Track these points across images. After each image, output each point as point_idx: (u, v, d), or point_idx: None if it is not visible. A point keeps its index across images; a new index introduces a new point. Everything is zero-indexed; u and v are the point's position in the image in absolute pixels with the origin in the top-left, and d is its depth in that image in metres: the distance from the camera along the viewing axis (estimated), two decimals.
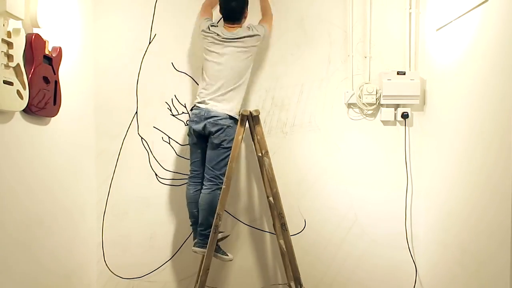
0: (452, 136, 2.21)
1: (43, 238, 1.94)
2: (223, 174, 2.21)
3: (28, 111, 1.76)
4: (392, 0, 2.53)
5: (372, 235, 2.56)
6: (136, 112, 2.56)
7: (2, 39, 1.55)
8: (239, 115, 2.28)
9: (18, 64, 1.64)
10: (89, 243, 2.47)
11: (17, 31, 1.64)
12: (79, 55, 2.33)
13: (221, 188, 2.20)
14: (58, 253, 2.08)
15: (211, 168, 2.24)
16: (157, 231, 2.58)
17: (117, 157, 2.55)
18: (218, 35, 2.27)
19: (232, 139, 2.21)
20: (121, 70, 2.54)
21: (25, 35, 1.70)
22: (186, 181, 2.52)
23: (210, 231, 2.16)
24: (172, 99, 2.56)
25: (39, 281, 1.91)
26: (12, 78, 1.61)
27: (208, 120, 2.19)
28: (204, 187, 2.27)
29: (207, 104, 2.23)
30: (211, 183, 2.23)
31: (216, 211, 2.18)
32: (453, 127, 2.20)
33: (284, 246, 2.28)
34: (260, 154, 2.30)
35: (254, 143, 2.41)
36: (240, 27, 2.34)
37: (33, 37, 1.75)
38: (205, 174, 2.27)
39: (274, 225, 2.44)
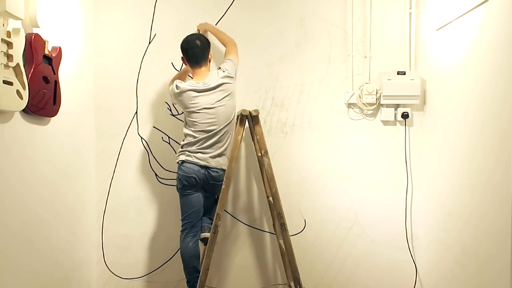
0: (453, 136, 2.20)
1: (43, 238, 1.93)
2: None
3: (27, 111, 1.76)
4: (392, 0, 2.53)
5: (372, 235, 2.56)
6: (136, 112, 2.56)
7: (2, 39, 1.55)
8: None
9: (17, 64, 1.64)
10: (89, 243, 2.47)
11: (16, 31, 1.63)
12: (79, 55, 2.33)
13: None
14: (58, 253, 2.08)
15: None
16: (157, 231, 2.58)
17: (117, 157, 2.55)
18: (193, 90, 2.19)
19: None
20: (121, 70, 2.54)
21: (24, 35, 1.70)
22: None
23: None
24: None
25: (39, 281, 1.91)
26: (12, 78, 1.61)
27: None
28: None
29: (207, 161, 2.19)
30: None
31: (216, 211, 2.17)
32: (454, 127, 2.19)
33: (283, 246, 2.28)
34: (259, 154, 2.30)
35: (254, 143, 2.41)
36: (208, 70, 2.27)
37: (33, 37, 1.75)
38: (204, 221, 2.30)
39: (274, 225, 2.43)
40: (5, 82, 1.56)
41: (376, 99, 2.51)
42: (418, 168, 2.56)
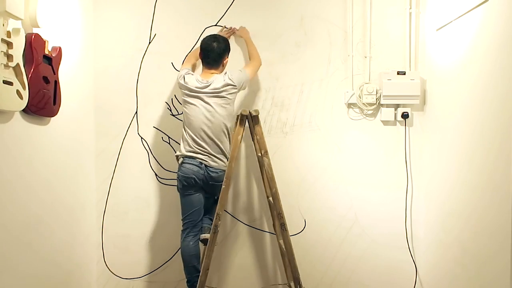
0: (453, 136, 2.20)
1: (43, 238, 1.93)
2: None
3: (27, 111, 1.76)
4: (392, 0, 2.53)
5: (372, 235, 2.56)
6: (136, 112, 2.56)
7: (2, 39, 1.54)
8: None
9: (17, 64, 1.64)
10: (89, 243, 2.46)
11: (16, 31, 1.63)
12: (79, 55, 2.33)
13: None
14: (58, 253, 2.08)
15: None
16: (157, 231, 2.58)
17: (117, 157, 2.55)
18: (191, 89, 2.21)
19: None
20: (121, 70, 2.53)
21: (24, 35, 1.70)
22: None
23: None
24: (172, 99, 2.56)
25: (39, 281, 1.91)
26: (12, 78, 1.61)
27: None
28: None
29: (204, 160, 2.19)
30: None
31: (216, 211, 2.17)
32: (454, 127, 2.19)
33: (283, 246, 2.28)
34: (259, 154, 2.30)
35: (253, 143, 2.41)
36: (218, 73, 2.28)
37: (33, 37, 1.75)
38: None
39: (274, 225, 2.43)
40: (5, 82, 1.56)
41: (376, 99, 2.51)
42: (418, 168, 2.56)
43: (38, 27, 1.81)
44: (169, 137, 2.57)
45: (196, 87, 2.20)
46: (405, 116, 2.51)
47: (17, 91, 1.64)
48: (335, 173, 2.57)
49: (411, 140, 2.56)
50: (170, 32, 2.54)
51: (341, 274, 2.59)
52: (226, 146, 2.24)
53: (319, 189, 2.59)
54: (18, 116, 1.74)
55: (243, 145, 2.57)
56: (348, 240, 2.54)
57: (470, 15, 2.03)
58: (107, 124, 2.54)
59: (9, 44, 1.58)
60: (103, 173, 2.55)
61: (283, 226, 2.22)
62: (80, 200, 2.34)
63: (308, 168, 2.58)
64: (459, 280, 2.11)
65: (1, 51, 1.54)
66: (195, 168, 2.17)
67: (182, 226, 2.26)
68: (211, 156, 2.19)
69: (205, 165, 2.18)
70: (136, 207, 2.57)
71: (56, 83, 1.97)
